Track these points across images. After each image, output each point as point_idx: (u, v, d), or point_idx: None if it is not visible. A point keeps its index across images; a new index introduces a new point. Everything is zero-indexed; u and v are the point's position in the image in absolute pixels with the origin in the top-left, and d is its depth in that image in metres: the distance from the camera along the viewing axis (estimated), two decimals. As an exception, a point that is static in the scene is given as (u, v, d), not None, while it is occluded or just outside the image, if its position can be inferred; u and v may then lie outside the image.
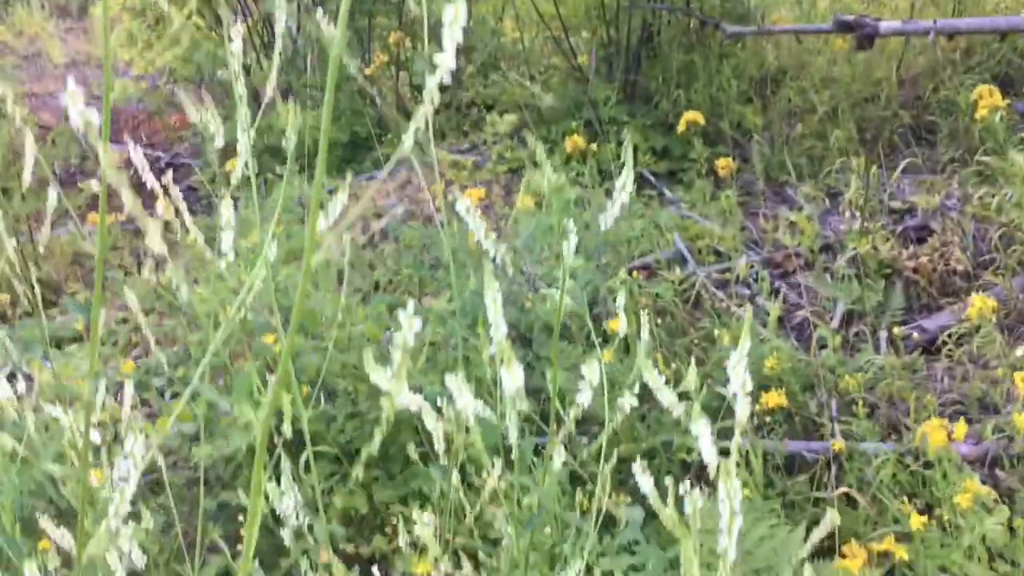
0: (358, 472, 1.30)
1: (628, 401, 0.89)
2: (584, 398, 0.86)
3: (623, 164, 1.17)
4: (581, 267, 1.09)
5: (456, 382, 0.78)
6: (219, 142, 1.08)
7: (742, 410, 0.66)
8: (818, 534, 0.71)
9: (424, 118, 0.61)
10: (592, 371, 0.84)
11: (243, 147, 0.85)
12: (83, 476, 0.82)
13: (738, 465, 2.19)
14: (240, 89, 0.93)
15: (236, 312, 1.01)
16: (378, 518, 2.37)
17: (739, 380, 0.65)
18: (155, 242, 0.59)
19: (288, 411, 1.00)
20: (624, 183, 0.94)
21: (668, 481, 0.81)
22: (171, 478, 2.42)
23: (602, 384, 1.22)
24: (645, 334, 1.06)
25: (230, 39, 1.05)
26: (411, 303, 0.58)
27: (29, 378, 1.80)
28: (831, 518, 0.73)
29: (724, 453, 0.98)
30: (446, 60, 0.59)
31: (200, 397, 2.70)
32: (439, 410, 1.09)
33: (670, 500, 0.78)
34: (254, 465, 0.96)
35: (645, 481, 0.76)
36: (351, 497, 2.27)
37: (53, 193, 1.05)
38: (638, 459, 0.82)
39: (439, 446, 1.04)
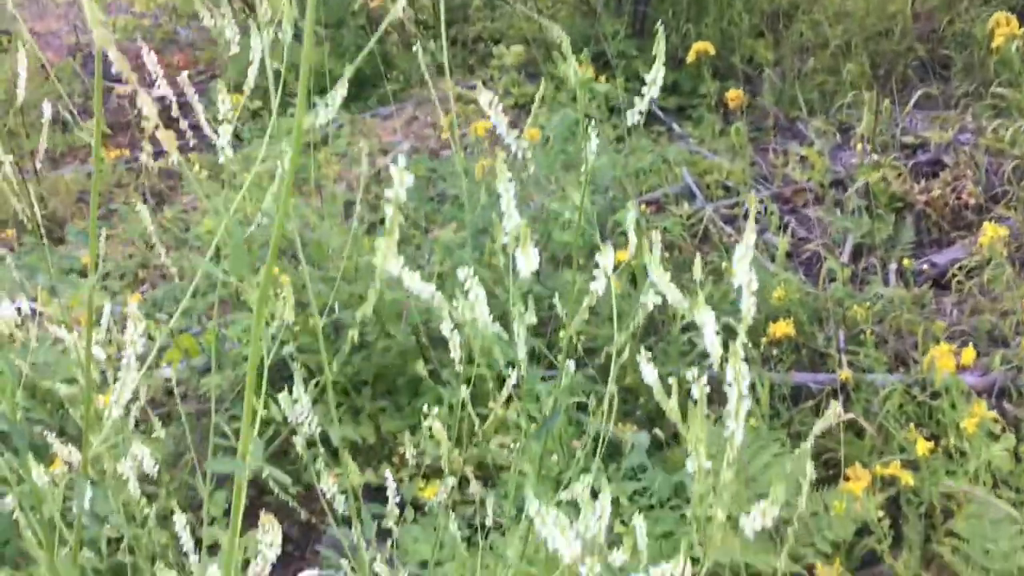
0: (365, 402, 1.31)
1: (651, 299, 0.87)
2: (599, 285, 0.85)
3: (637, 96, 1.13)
4: (590, 188, 1.07)
5: (467, 274, 0.76)
6: (234, 48, 1.05)
7: (747, 304, 0.65)
8: (820, 425, 0.71)
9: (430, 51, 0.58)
10: (606, 259, 0.83)
11: (257, 56, 0.83)
12: (88, 356, 0.82)
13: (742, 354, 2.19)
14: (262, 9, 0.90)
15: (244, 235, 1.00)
16: (385, 448, 2.39)
17: (745, 276, 0.64)
18: (150, 112, 0.57)
19: (290, 303, 1.00)
20: (655, 77, 0.91)
21: (672, 379, 0.80)
22: (182, 408, 2.44)
23: (611, 309, 1.21)
24: (656, 250, 1.04)
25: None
26: (401, 157, 0.56)
27: (33, 309, 1.80)
28: (833, 409, 0.72)
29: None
30: None
31: (208, 331, 2.71)
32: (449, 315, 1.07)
33: (675, 395, 0.78)
34: (283, 377, 0.95)
35: (649, 371, 0.75)
36: (359, 427, 2.28)
37: (47, 109, 1.03)
38: (642, 351, 0.81)
39: (455, 353, 1.03)
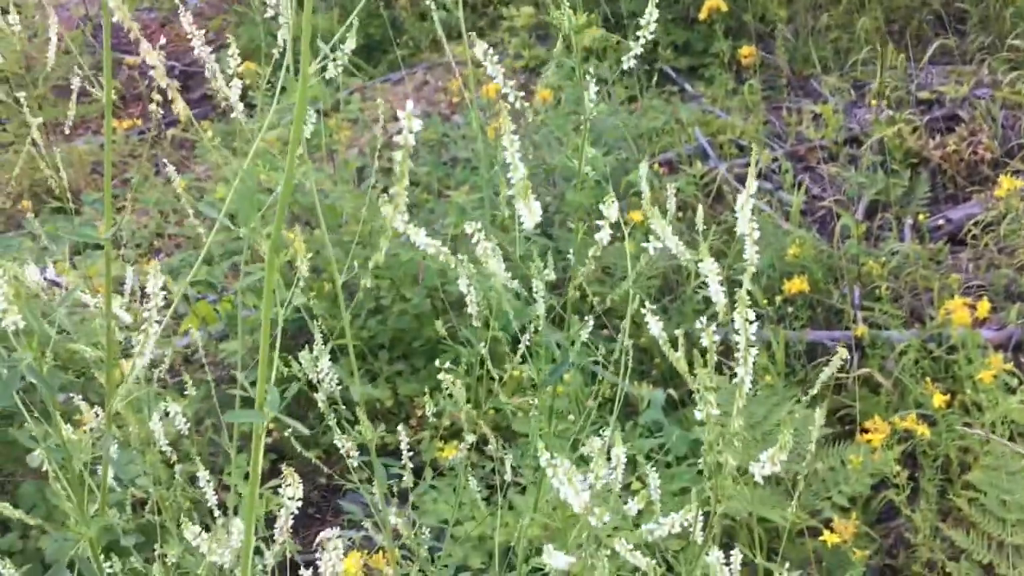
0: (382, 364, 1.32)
1: (652, 244, 0.88)
2: (604, 235, 0.85)
3: (648, 60, 1.13)
4: (593, 112, 1.07)
5: (474, 228, 0.77)
6: (270, 12, 1.05)
7: (750, 252, 0.65)
8: (829, 370, 0.71)
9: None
10: (611, 210, 0.83)
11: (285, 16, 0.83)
12: (109, 309, 0.83)
13: (757, 349, 2.19)
14: None
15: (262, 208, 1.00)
16: (403, 411, 2.41)
17: (745, 221, 0.64)
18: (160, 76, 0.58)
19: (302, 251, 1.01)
20: (648, 19, 0.91)
21: (679, 332, 0.80)
22: (201, 376, 2.47)
23: (625, 269, 1.21)
24: (671, 206, 1.04)
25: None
26: (410, 102, 0.57)
27: (55, 280, 1.81)
28: (839, 357, 0.73)
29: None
30: None
31: (225, 297, 2.72)
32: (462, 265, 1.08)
33: (681, 348, 0.78)
34: (301, 347, 0.96)
35: (655, 324, 0.76)
36: (376, 390, 2.30)
37: (75, 82, 1.04)
38: (647, 305, 0.81)
39: (472, 308, 1.04)
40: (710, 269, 0.67)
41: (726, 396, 1.75)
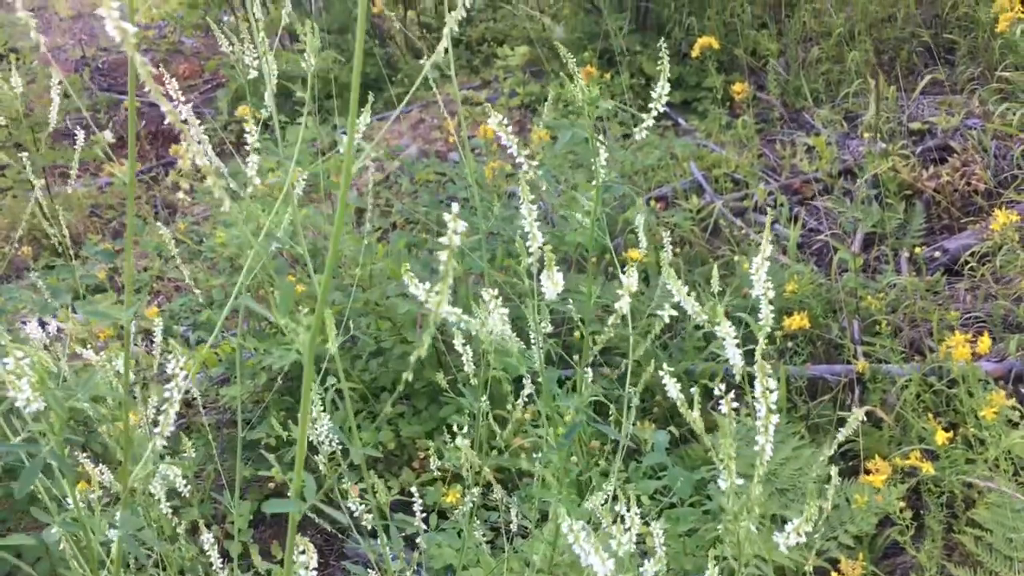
0: (386, 408, 1.32)
1: (667, 312, 0.89)
2: (624, 304, 0.86)
3: (641, 95, 1.15)
4: (613, 182, 1.08)
5: (489, 295, 0.78)
6: (253, 73, 1.07)
7: (765, 312, 0.66)
8: (843, 434, 0.72)
9: (441, 52, 0.60)
10: (631, 279, 0.84)
11: (268, 78, 0.85)
12: (126, 396, 0.84)
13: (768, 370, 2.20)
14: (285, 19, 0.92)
15: (262, 248, 1.01)
16: (405, 453, 2.41)
17: (761, 282, 0.65)
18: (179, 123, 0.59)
19: (332, 331, 1.01)
20: (660, 92, 0.93)
21: (695, 391, 0.81)
22: (201, 420, 2.46)
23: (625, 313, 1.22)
24: (667, 253, 1.05)
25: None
26: (455, 205, 0.58)
27: (58, 328, 1.82)
28: (855, 418, 0.74)
29: (744, 379, 0.98)
30: None
31: (225, 342, 2.73)
32: (460, 331, 1.09)
33: (697, 407, 0.79)
34: (301, 387, 0.97)
35: (672, 386, 0.77)
36: (379, 432, 2.30)
37: (81, 136, 1.05)
38: (663, 368, 0.82)
39: (468, 368, 1.05)
40: (727, 332, 0.67)
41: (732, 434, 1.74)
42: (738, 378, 0.71)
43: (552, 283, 0.69)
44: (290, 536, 0.72)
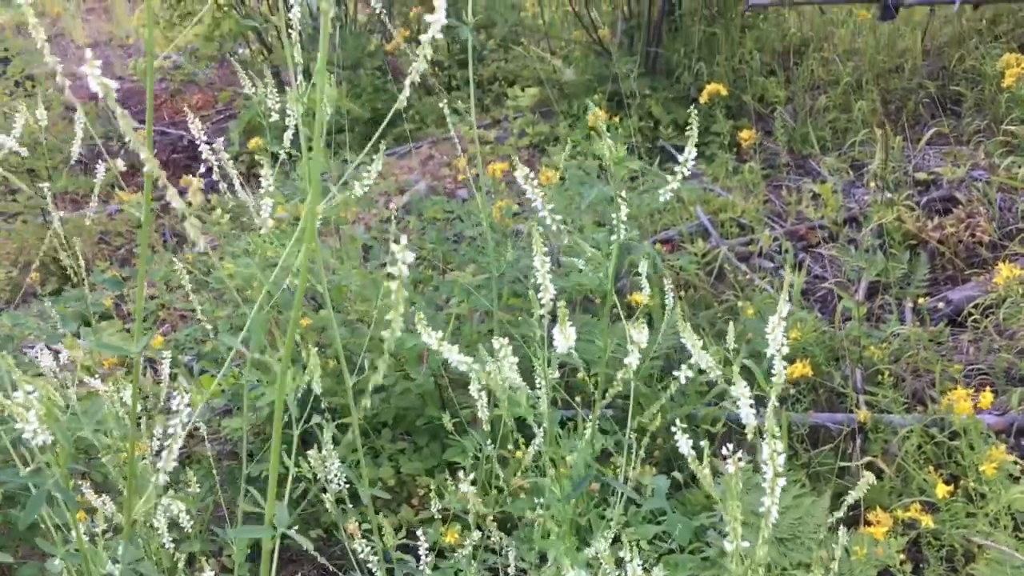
0: (385, 443, 1.33)
1: (684, 373, 0.90)
2: (633, 359, 0.87)
3: (651, 137, 1.18)
4: (622, 241, 1.10)
5: (500, 344, 0.79)
6: (274, 116, 1.10)
7: (779, 371, 0.67)
8: (853, 496, 0.72)
9: (416, 75, 0.62)
10: (640, 334, 0.85)
11: (293, 119, 0.87)
12: (132, 428, 0.85)
13: (760, 434, 2.20)
14: (297, 57, 0.94)
15: (274, 284, 1.03)
16: (404, 490, 2.40)
17: (777, 342, 0.66)
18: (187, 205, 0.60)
19: (317, 371, 1.02)
20: (687, 157, 0.95)
21: (704, 443, 0.82)
22: (203, 452, 2.46)
23: (627, 351, 1.23)
24: (670, 301, 1.07)
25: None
26: (403, 237, 0.59)
27: (57, 353, 1.83)
28: (865, 481, 0.74)
29: (745, 427, 0.99)
30: (437, 17, 0.60)
31: (229, 375, 2.73)
32: (476, 378, 1.10)
33: (706, 461, 0.80)
34: (307, 433, 0.98)
35: (684, 441, 0.78)
36: (379, 469, 2.30)
37: (102, 168, 1.07)
38: (676, 422, 0.83)
39: (482, 413, 1.06)
40: (742, 393, 0.68)
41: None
42: (750, 437, 0.72)
43: (564, 338, 0.71)
44: (264, 564, 0.73)
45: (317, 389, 0.97)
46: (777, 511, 1.89)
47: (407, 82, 0.71)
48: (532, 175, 0.95)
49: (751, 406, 0.70)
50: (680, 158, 1.36)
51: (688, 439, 0.79)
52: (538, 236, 0.81)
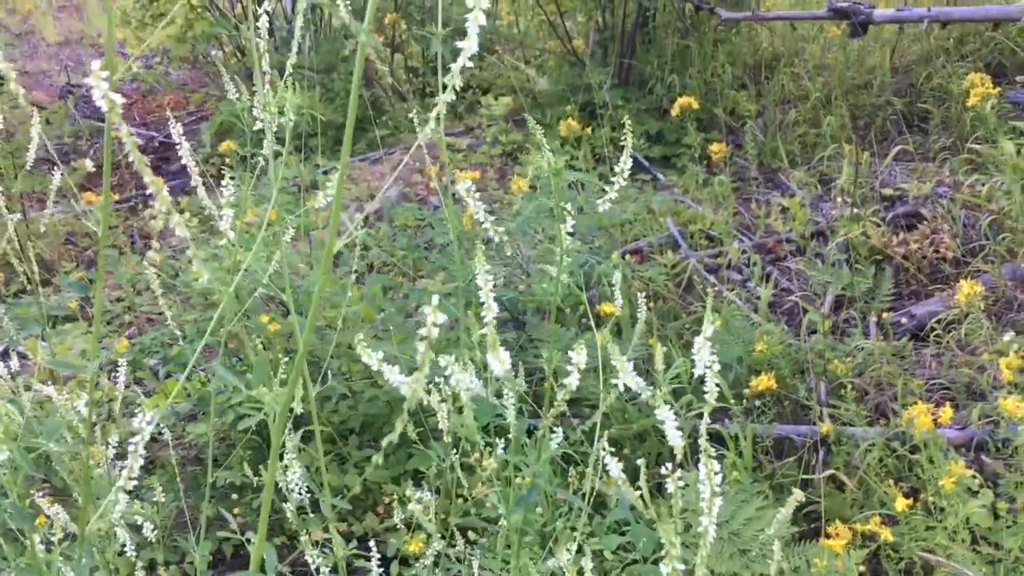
0: (352, 451, 1.32)
1: (621, 383, 0.91)
2: (573, 380, 0.88)
3: (622, 148, 1.19)
4: (576, 251, 1.11)
5: (449, 361, 0.79)
6: (259, 125, 1.09)
7: (711, 389, 0.68)
8: (794, 500, 0.74)
9: (442, 104, 0.62)
10: (579, 356, 0.86)
11: (267, 126, 0.87)
12: (86, 446, 0.84)
13: (725, 445, 2.22)
14: (264, 66, 0.94)
15: (239, 289, 1.02)
16: (370, 498, 2.39)
17: (705, 359, 0.67)
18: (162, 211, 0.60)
19: (298, 393, 1.02)
20: (623, 168, 0.96)
21: (641, 462, 0.83)
22: (166, 457, 2.44)
23: (596, 366, 1.24)
24: (642, 314, 1.08)
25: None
26: (435, 297, 0.59)
27: (23, 356, 1.81)
28: (795, 498, 0.75)
29: (713, 436, 0.99)
30: (470, 45, 0.60)
31: (196, 376, 2.71)
32: (436, 389, 1.11)
33: (643, 480, 0.80)
34: (270, 441, 0.97)
35: (614, 465, 0.79)
36: (344, 476, 2.29)
37: (57, 172, 1.06)
38: (604, 447, 0.84)
39: (443, 424, 1.06)
40: (667, 416, 0.69)
41: (693, 494, 1.76)
42: (679, 458, 0.73)
43: (499, 362, 0.71)
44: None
45: (299, 410, 0.96)
46: (739, 519, 1.90)
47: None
48: (472, 187, 0.96)
49: (679, 428, 0.71)
50: (661, 178, 1.37)
51: (618, 463, 0.80)
52: (481, 254, 0.81)
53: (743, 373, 2.41)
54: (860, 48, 4.49)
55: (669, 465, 0.75)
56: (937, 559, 1.58)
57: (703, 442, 0.68)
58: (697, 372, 0.69)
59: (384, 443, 0.65)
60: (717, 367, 0.68)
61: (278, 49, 4.87)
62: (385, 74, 4.11)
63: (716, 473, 0.68)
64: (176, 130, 1.50)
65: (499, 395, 1.17)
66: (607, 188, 0.98)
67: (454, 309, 2.04)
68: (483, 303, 0.80)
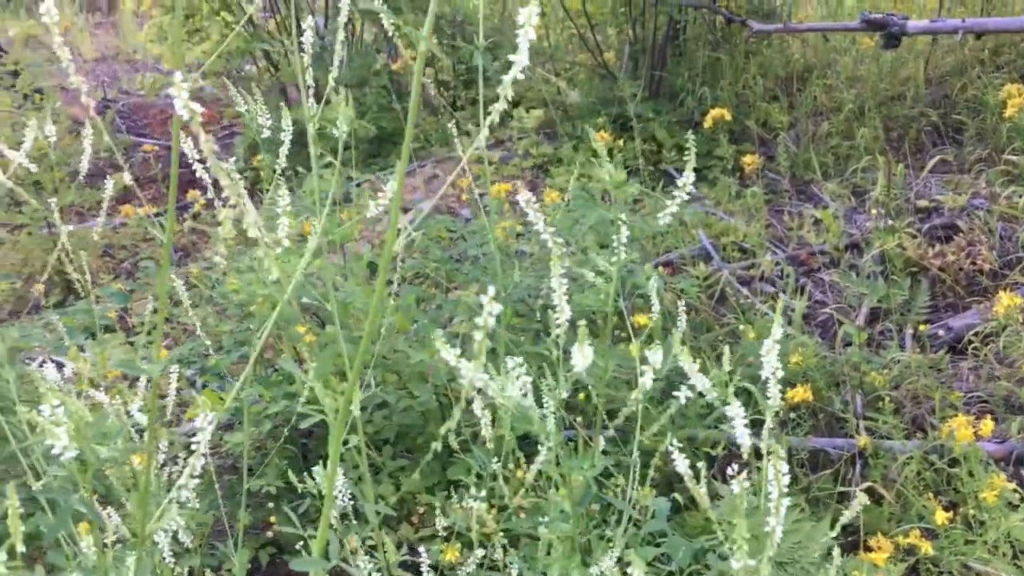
0: (386, 460, 1.33)
1: (684, 393, 0.91)
2: (647, 380, 0.89)
3: (654, 161, 1.20)
4: (622, 263, 1.12)
5: (514, 364, 0.80)
6: (266, 133, 1.12)
7: (773, 394, 0.68)
8: (847, 516, 0.74)
9: (496, 113, 0.63)
10: (656, 355, 0.86)
11: (310, 138, 0.89)
12: (148, 448, 0.86)
13: (768, 455, 2.21)
14: (308, 80, 0.96)
15: (281, 301, 1.04)
16: (404, 507, 2.40)
17: (771, 366, 0.67)
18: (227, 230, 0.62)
19: (356, 399, 1.04)
20: (685, 183, 0.97)
21: (701, 465, 0.83)
22: (204, 466, 2.46)
23: (629, 379, 1.24)
24: (681, 322, 1.08)
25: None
26: (491, 287, 0.60)
27: (59, 365, 1.85)
28: (859, 501, 0.75)
29: (754, 445, 1.00)
30: (521, 59, 0.62)
31: (229, 386, 2.74)
32: (479, 395, 1.11)
33: (703, 482, 0.81)
34: (304, 451, 0.99)
35: (681, 462, 0.79)
36: (379, 486, 2.30)
37: (110, 183, 1.09)
38: (672, 443, 0.84)
39: (487, 432, 1.07)
40: (736, 413, 0.70)
41: (732, 505, 1.75)
42: (745, 457, 0.73)
43: (583, 356, 0.72)
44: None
45: (356, 412, 0.98)
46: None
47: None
48: (533, 199, 0.97)
49: (746, 427, 0.71)
50: (692, 190, 1.38)
51: (686, 460, 0.81)
52: (557, 258, 0.82)
53: (778, 385, 2.40)
54: (893, 59, 4.47)
55: (735, 466, 0.75)
56: (982, 568, 1.56)
57: (770, 444, 0.69)
58: (764, 374, 0.70)
59: (433, 446, 0.66)
60: (780, 373, 0.68)
61: (311, 65, 4.92)
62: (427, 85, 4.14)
63: (784, 474, 0.68)
64: (209, 145, 1.54)
65: (539, 404, 1.18)
66: (648, 197, 0.98)
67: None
68: (556, 306, 0.81)
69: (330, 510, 0.71)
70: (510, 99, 0.68)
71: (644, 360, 0.88)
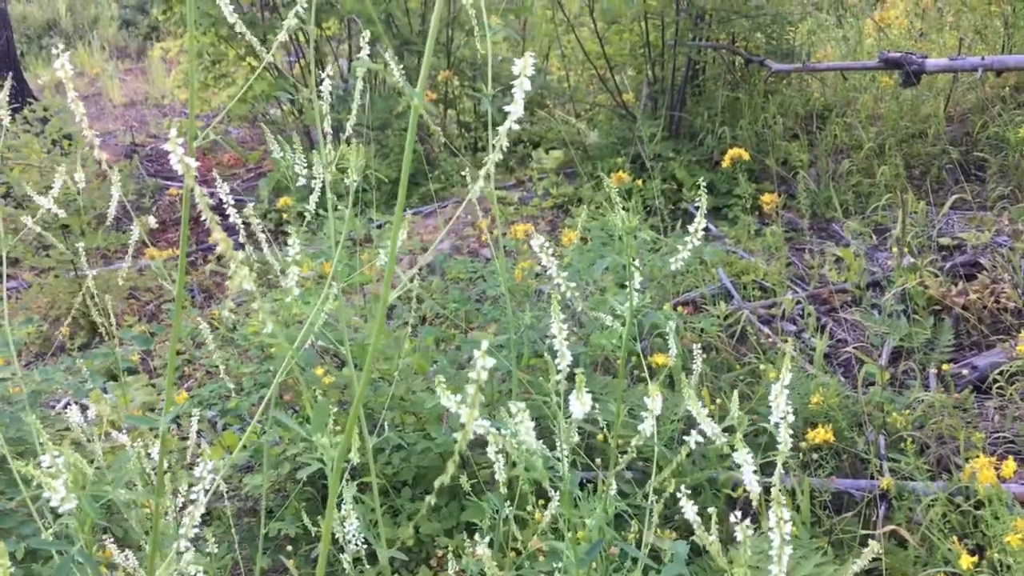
0: (405, 502, 1.33)
1: (694, 439, 0.91)
2: (648, 426, 0.88)
3: (673, 200, 1.20)
4: (644, 306, 1.12)
5: (519, 410, 0.81)
6: (301, 181, 1.14)
7: (784, 439, 0.68)
8: (859, 564, 0.73)
9: (491, 163, 0.64)
10: (656, 401, 0.86)
11: (325, 183, 0.91)
12: (159, 494, 0.86)
13: (784, 500, 2.18)
14: (326, 127, 0.98)
15: (298, 343, 1.05)
16: (423, 550, 2.39)
17: (780, 411, 0.67)
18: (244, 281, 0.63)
19: (356, 443, 1.04)
20: (696, 228, 0.98)
21: (712, 511, 0.82)
22: (222, 509, 2.47)
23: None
24: (698, 365, 1.08)
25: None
26: (484, 342, 0.61)
27: (83, 407, 1.86)
28: (872, 548, 0.74)
29: (769, 490, 0.99)
30: (516, 109, 0.63)
31: (249, 428, 2.75)
32: (492, 439, 1.11)
33: (714, 529, 0.80)
34: (324, 493, 0.99)
35: (690, 509, 0.78)
36: (397, 529, 2.29)
37: (136, 227, 1.11)
38: (682, 489, 0.84)
39: (500, 476, 1.07)
40: (744, 460, 0.69)
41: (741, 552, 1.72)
42: (755, 505, 0.72)
43: (581, 404, 0.72)
44: None
45: (356, 460, 0.98)
46: (799, 575, 1.86)
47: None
48: (547, 244, 0.98)
49: (755, 472, 0.71)
50: (712, 229, 1.38)
51: (694, 506, 0.80)
52: (556, 304, 0.83)
53: (799, 426, 2.37)
54: (914, 97, 4.47)
55: (738, 513, 0.75)
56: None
57: (775, 491, 0.68)
58: (773, 419, 0.69)
59: (436, 484, 0.66)
60: (791, 418, 0.68)
61: (334, 107, 5.00)
62: (438, 132, 4.20)
63: (786, 521, 0.68)
64: (223, 189, 1.56)
65: (552, 447, 1.18)
66: (659, 241, 0.99)
67: (506, 360, 2.06)
68: (557, 351, 0.82)
69: (326, 560, 0.71)
70: (505, 149, 0.70)
71: (648, 406, 0.88)
